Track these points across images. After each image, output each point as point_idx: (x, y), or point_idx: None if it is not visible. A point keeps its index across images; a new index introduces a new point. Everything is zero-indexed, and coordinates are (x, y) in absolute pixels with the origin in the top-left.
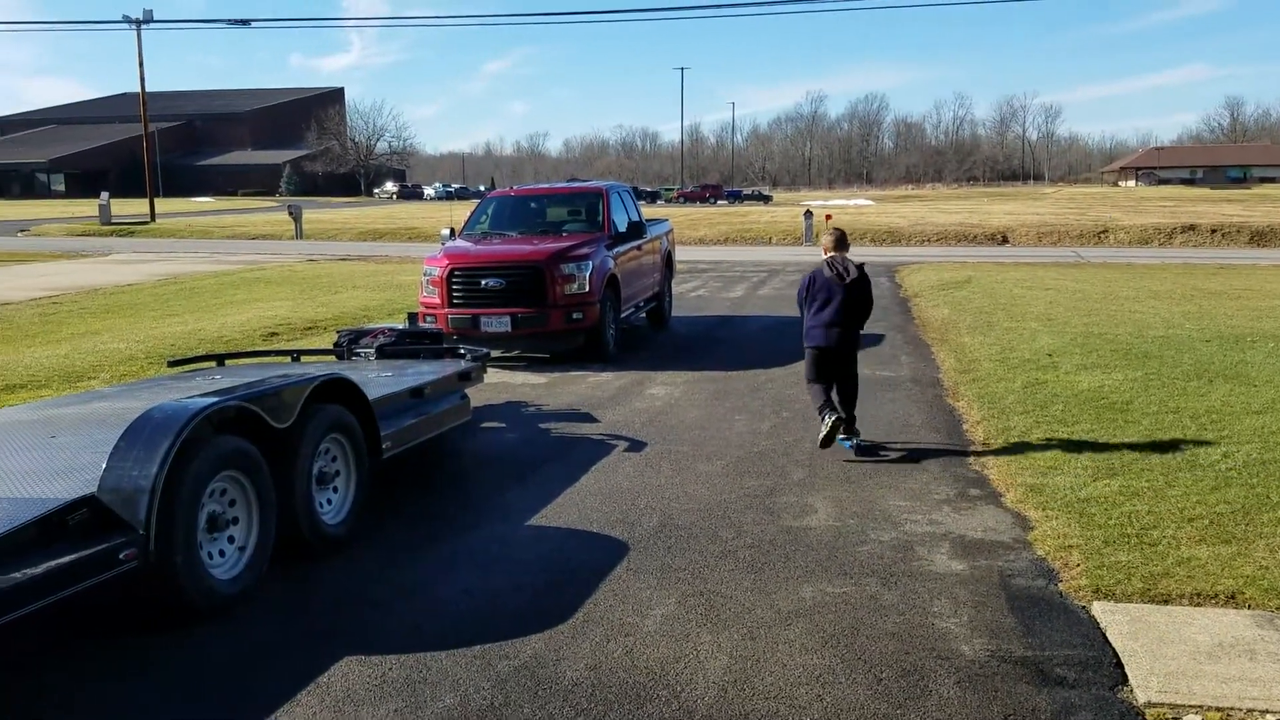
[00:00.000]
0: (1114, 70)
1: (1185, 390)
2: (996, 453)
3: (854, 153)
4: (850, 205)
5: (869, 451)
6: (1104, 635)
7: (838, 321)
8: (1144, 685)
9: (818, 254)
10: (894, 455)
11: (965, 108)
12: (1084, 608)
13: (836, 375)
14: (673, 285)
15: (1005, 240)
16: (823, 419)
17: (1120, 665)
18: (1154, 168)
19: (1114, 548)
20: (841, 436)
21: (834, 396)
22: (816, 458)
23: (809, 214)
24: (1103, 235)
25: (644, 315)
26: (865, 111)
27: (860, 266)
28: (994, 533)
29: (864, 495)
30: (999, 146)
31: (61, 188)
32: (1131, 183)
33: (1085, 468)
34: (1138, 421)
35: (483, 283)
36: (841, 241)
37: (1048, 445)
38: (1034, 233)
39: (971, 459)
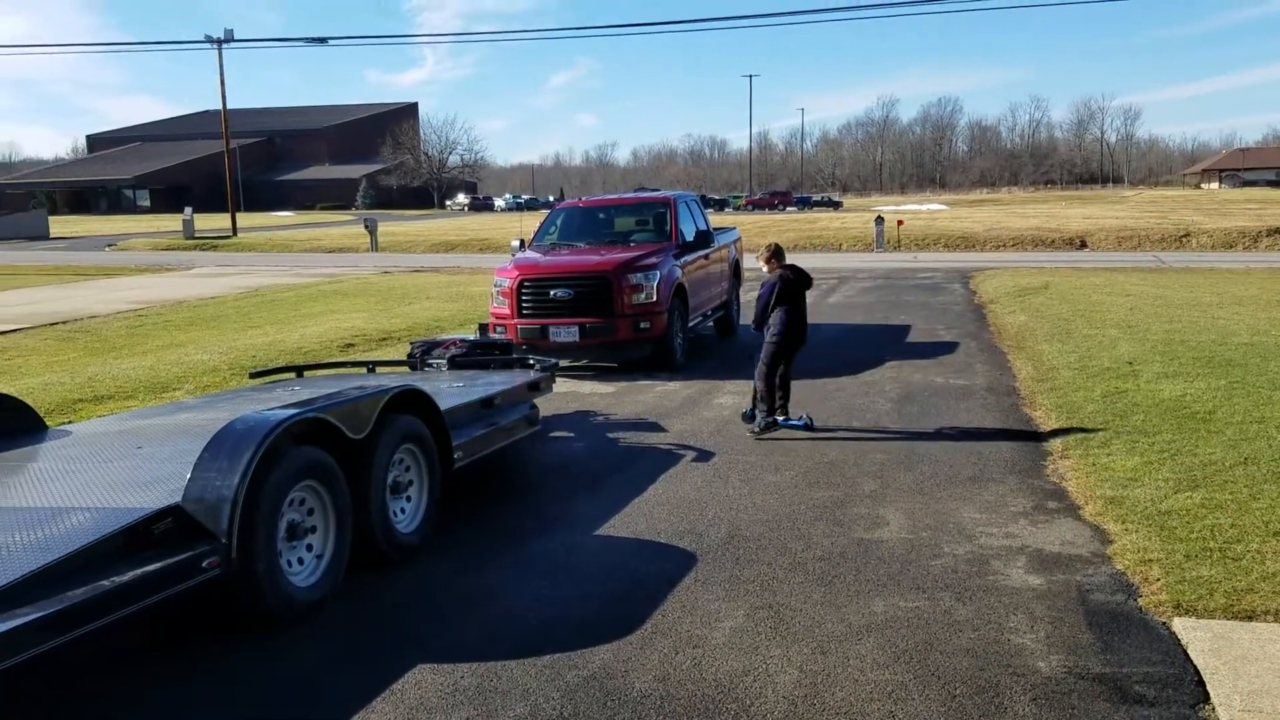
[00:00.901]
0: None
1: (1271, 399)
2: (1075, 464)
3: (926, 157)
4: (923, 210)
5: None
6: (1185, 652)
7: (803, 318)
8: (1226, 704)
9: (890, 260)
10: (969, 468)
11: (1041, 110)
12: (1164, 624)
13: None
14: (741, 294)
15: (1083, 245)
16: (771, 410)
17: (1202, 683)
18: (1238, 169)
19: (1196, 562)
20: (787, 419)
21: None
22: (888, 469)
23: (880, 220)
24: (1184, 239)
25: (712, 324)
26: (938, 115)
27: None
28: (1072, 546)
29: (937, 507)
30: (1076, 149)
31: (147, 203)
32: (1214, 185)
33: (1167, 479)
34: (1221, 431)
35: (551, 293)
36: (780, 252)
37: (1128, 456)
38: (1113, 237)
39: (1049, 470)
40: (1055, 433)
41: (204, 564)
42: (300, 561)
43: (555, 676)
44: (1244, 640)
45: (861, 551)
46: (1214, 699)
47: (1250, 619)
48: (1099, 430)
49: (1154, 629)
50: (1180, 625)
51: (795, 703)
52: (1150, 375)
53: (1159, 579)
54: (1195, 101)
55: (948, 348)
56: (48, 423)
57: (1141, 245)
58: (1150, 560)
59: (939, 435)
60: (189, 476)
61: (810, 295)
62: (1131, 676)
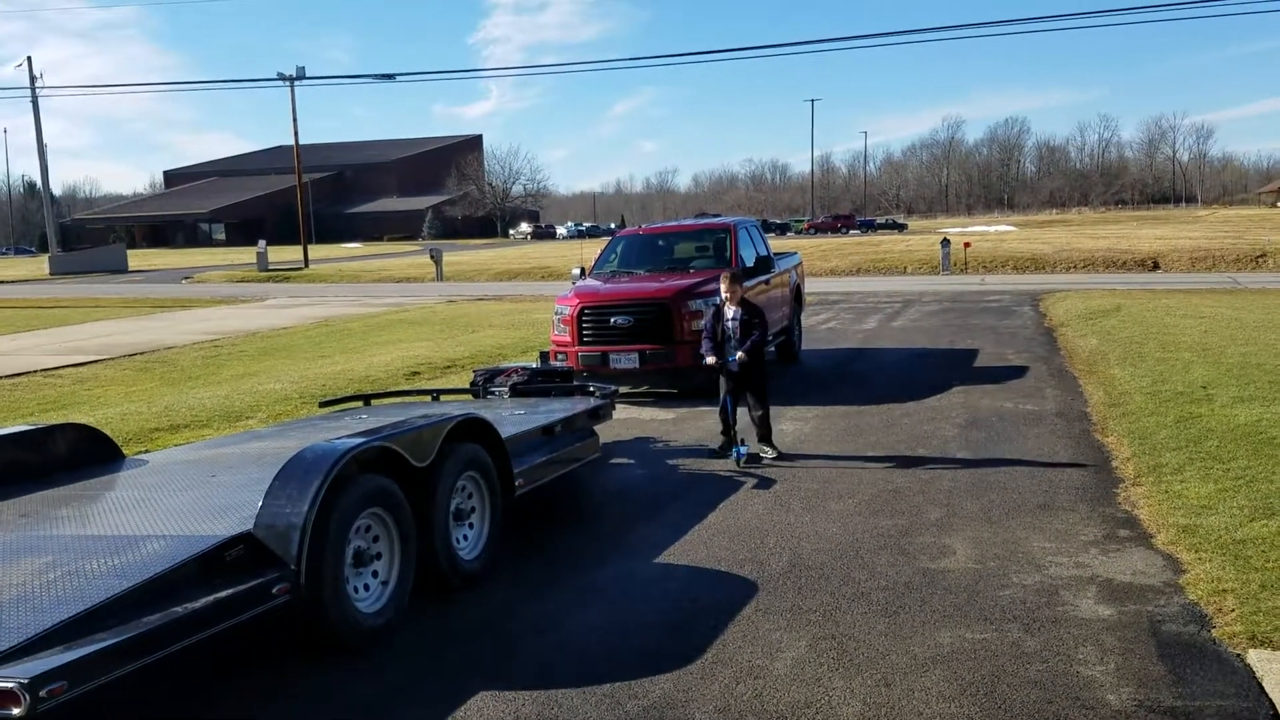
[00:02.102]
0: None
1: None
2: (1147, 491)
3: (993, 178)
4: (990, 231)
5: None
6: (1260, 685)
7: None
8: None
9: (956, 283)
10: (1038, 496)
11: (1111, 129)
12: (1239, 655)
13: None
14: (803, 318)
15: (1156, 266)
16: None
17: (1277, 716)
18: None
19: (1272, 592)
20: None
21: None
22: (954, 497)
23: (946, 242)
24: (1261, 260)
25: (773, 349)
26: (1005, 135)
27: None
28: (1144, 576)
29: (1006, 536)
30: (1147, 168)
31: (222, 236)
32: None
33: (1242, 507)
34: None
35: (612, 320)
36: (738, 278)
37: (1202, 483)
38: (1186, 258)
39: (1120, 498)
40: (1127, 459)
41: (274, 590)
42: (366, 588)
43: (615, 705)
44: None
45: (927, 582)
46: None
47: None
48: (1172, 456)
49: (1228, 661)
50: (1255, 657)
51: None
52: (1225, 400)
53: (1234, 609)
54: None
55: (1017, 372)
56: (125, 452)
57: (1216, 266)
58: (1225, 590)
59: (1007, 462)
60: (260, 504)
61: (874, 320)
62: (1204, 710)
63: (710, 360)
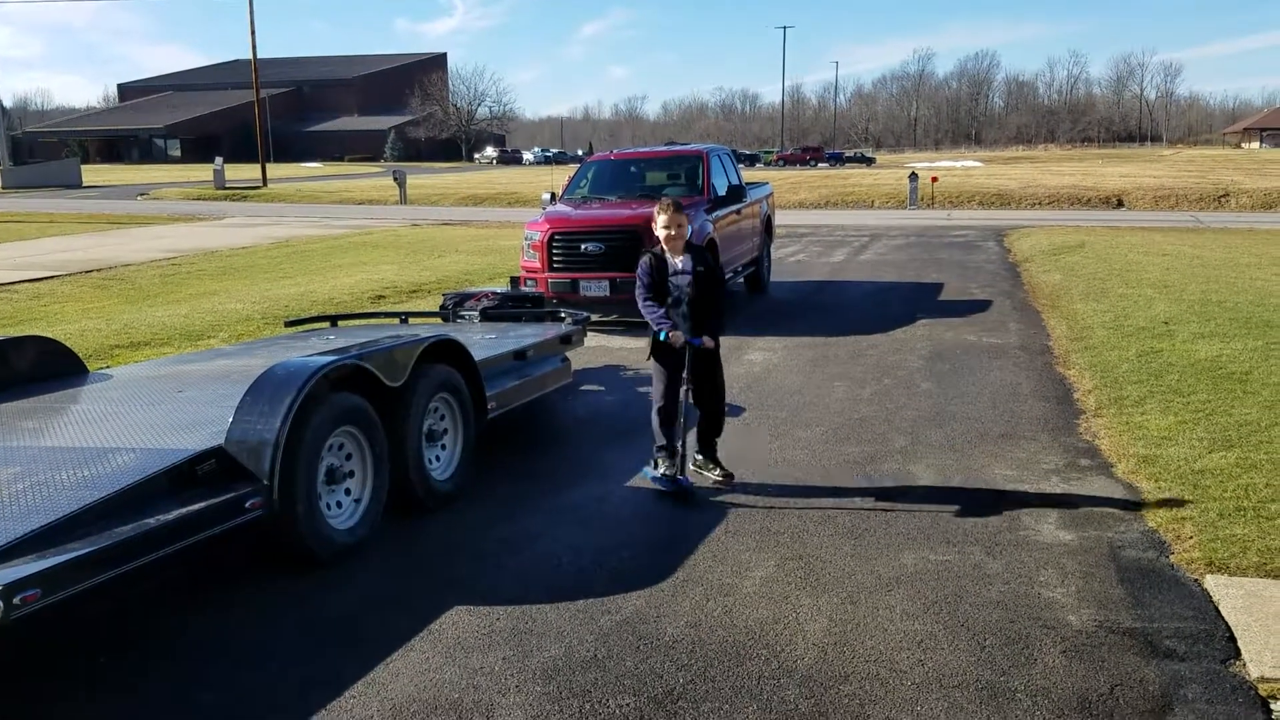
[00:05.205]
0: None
1: None
2: (1108, 422)
3: (962, 113)
4: (958, 167)
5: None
6: (1216, 609)
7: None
8: (1257, 660)
9: (923, 217)
10: (1000, 426)
11: (1080, 66)
12: (1196, 580)
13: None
14: (772, 249)
15: (1120, 204)
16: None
17: (1233, 639)
18: None
19: (1229, 520)
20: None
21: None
22: (919, 426)
23: (914, 176)
24: (1223, 199)
25: (742, 280)
26: (975, 70)
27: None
28: (1104, 503)
29: (968, 464)
30: (1115, 106)
31: (178, 153)
32: (1256, 144)
33: (1201, 439)
34: (1257, 392)
35: (582, 247)
36: (681, 208)
37: (1162, 415)
38: (1150, 196)
39: (1082, 429)
40: (1089, 391)
41: (246, 504)
42: (339, 505)
43: (589, 620)
44: (1277, 598)
45: (892, 506)
46: (1245, 655)
47: None
48: (1133, 389)
49: (1186, 585)
50: (1212, 582)
51: (825, 650)
52: (1186, 335)
53: (1192, 537)
54: (1237, 58)
55: (981, 306)
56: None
57: (1179, 205)
58: (1183, 518)
59: (971, 393)
60: (231, 419)
61: (841, 253)
62: (1162, 631)
63: (674, 336)
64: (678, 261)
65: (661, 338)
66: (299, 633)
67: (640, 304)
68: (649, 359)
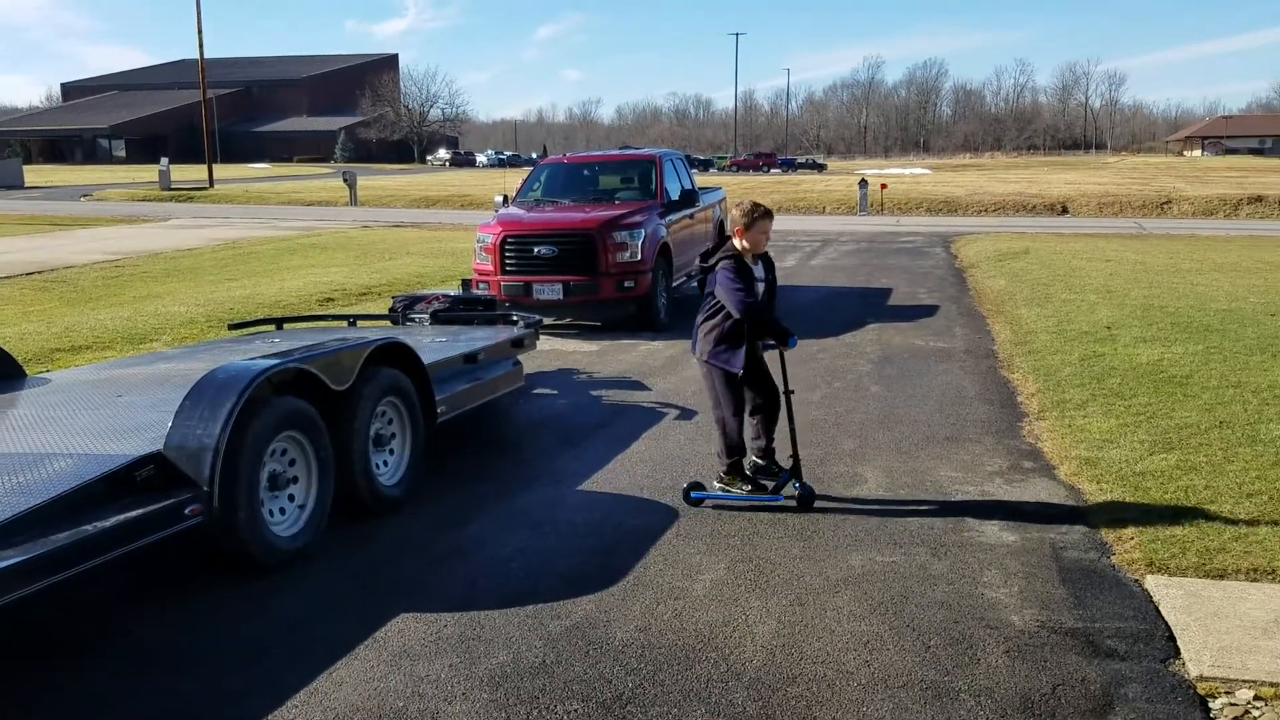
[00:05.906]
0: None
1: (1248, 365)
2: (1051, 425)
3: (911, 120)
4: (906, 174)
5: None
6: (1157, 609)
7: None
8: (1196, 659)
9: (873, 223)
10: (946, 429)
11: (1026, 75)
12: (1137, 581)
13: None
14: None
15: (1065, 211)
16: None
17: (1173, 639)
18: (1221, 137)
19: (1170, 522)
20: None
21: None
22: (867, 429)
23: (864, 183)
24: (1166, 206)
25: (695, 284)
26: (923, 78)
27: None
28: (1047, 505)
29: (915, 465)
30: (1060, 115)
31: (123, 153)
32: (1197, 153)
33: (1142, 441)
34: (1197, 395)
35: (535, 250)
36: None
37: (1104, 418)
38: (1095, 203)
39: (1025, 431)
40: (1032, 395)
41: (186, 511)
42: (282, 511)
43: (538, 626)
44: (1215, 598)
45: (840, 508)
46: (1184, 654)
47: (1222, 578)
48: (1076, 393)
49: (1126, 586)
50: (1153, 583)
51: (773, 652)
52: (1128, 340)
53: (1132, 538)
54: (1180, 68)
55: (928, 311)
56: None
57: (1123, 211)
58: (1124, 520)
59: (917, 396)
60: (170, 424)
61: (793, 258)
62: (1104, 631)
63: (772, 345)
64: (756, 267)
65: (791, 345)
66: (240, 639)
67: (751, 312)
68: (736, 371)
